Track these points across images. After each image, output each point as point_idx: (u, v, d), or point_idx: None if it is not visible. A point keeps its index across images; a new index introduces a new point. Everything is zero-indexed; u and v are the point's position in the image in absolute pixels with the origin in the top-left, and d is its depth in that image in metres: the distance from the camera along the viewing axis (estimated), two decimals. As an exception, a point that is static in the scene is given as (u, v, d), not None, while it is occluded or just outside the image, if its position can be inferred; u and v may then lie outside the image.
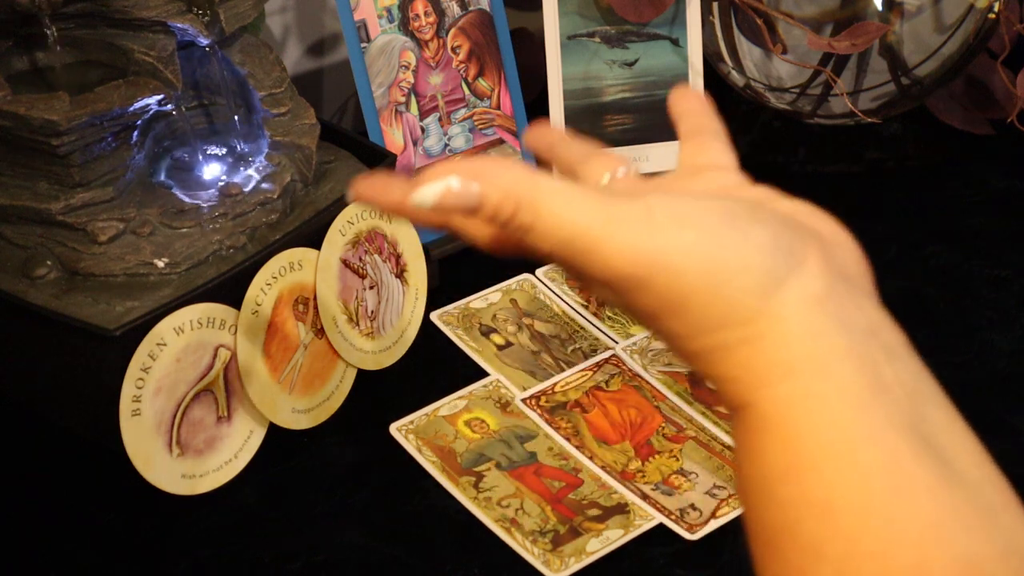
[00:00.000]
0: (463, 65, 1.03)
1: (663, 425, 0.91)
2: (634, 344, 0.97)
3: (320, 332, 0.89)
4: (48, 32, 0.84)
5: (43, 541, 0.84)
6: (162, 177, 0.90)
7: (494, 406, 0.93)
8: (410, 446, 0.89)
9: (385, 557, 0.82)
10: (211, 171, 0.91)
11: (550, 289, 1.03)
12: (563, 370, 0.96)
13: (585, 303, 1.02)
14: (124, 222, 0.83)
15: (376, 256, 0.92)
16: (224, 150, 0.93)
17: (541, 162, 0.56)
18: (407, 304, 0.95)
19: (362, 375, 0.93)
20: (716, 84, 1.17)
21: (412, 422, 0.91)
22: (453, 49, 1.02)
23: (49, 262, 0.83)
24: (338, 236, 0.89)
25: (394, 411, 0.92)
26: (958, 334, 0.99)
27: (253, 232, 0.87)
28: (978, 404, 0.94)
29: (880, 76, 1.13)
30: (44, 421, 0.91)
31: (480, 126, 1.04)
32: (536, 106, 1.13)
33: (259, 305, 0.85)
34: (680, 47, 1.10)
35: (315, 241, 0.88)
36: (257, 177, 0.89)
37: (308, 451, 0.90)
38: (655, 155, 1.10)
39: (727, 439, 0.90)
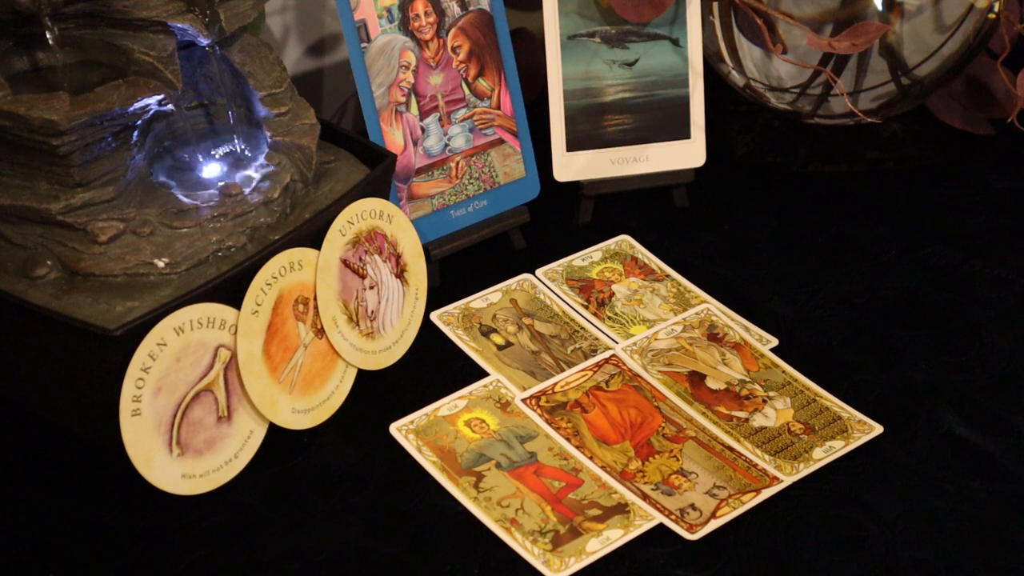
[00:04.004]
0: (463, 65, 1.03)
1: (663, 425, 0.91)
2: (634, 344, 0.97)
3: (320, 332, 0.89)
4: (48, 32, 0.84)
5: (43, 541, 0.84)
6: (162, 177, 0.90)
7: (494, 406, 0.93)
8: (410, 446, 0.89)
9: (385, 557, 0.82)
10: (211, 171, 0.91)
11: (550, 289, 1.03)
12: (563, 370, 0.96)
13: (585, 303, 1.02)
14: (124, 222, 0.83)
15: (376, 256, 0.92)
16: (224, 150, 0.93)
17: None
18: (407, 304, 0.95)
19: (362, 375, 0.93)
20: (716, 84, 1.17)
21: (412, 422, 0.91)
22: (453, 49, 1.02)
23: (49, 262, 0.83)
24: (338, 236, 0.89)
25: (394, 411, 0.92)
26: (958, 334, 0.99)
27: (253, 232, 0.87)
28: (978, 404, 0.95)
29: (880, 76, 1.13)
30: (44, 421, 0.91)
31: (480, 126, 1.04)
32: (536, 106, 1.13)
33: (259, 305, 0.85)
34: (680, 47, 1.10)
35: (315, 241, 0.88)
36: (257, 177, 0.89)
37: (308, 451, 0.90)
38: (655, 155, 1.10)
39: (727, 439, 0.90)
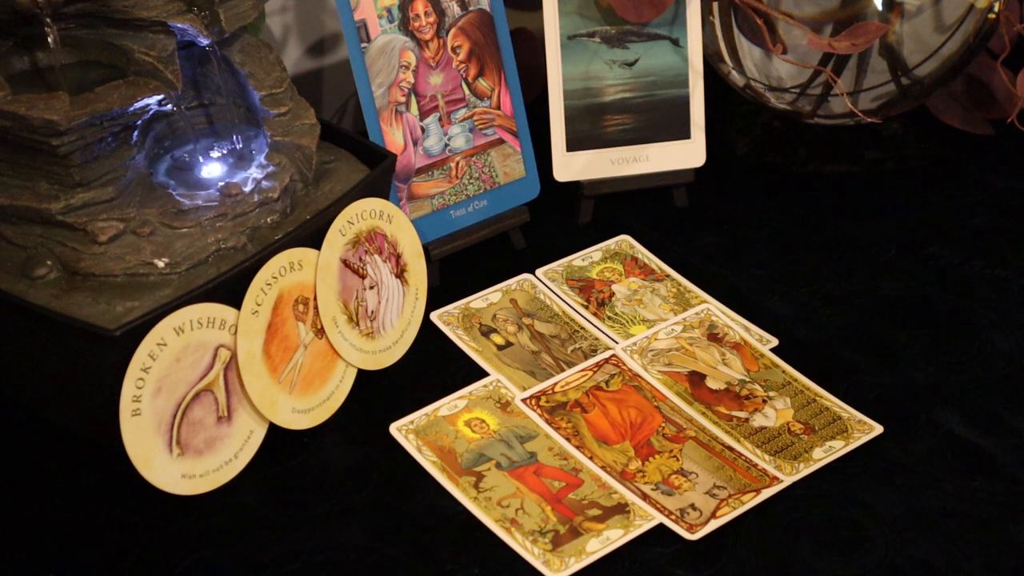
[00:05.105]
0: (463, 65, 1.03)
1: (663, 425, 0.91)
2: (634, 344, 0.97)
3: (320, 332, 0.89)
4: (48, 32, 0.84)
5: (43, 541, 0.84)
6: (162, 177, 0.90)
7: (494, 406, 0.93)
8: (410, 446, 0.89)
9: (385, 557, 0.82)
10: (211, 171, 0.91)
11: (550, 289, 1.03)
12: (563, 370, 0.96)
13: (585, 303, 1.02)
14: (124, 222, 0.83)
15: (376, 256, 0.92)
16: (224, 150, 0.93)
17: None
18: (407, 304, 0.95)
19: (362, 375, 0.93)
20: (716, 84, 1.17)
21: (412, 422, 0.91)
22: (453, 49, 1.02)
23: (49, 262, 0.83)
24: (338, 236, 0.89)
25: (394, 411, 0.92)
26: (958, 334, 0.99)
27: (253, 232, 0.87)
28: (978, 404, 0.95)
29: (880, 76, 1.13)
30: (44, 421, 0.91)
31: (480, 126, 1.04)
32: (536, 106, 1.13)
33: (259, 305, 0.85)
34: (680, 47, 1.10)
35: (315, 241, 0.88)
36: (257, 177, 0.89)
37: (308, 451, 0.90)
38: (655, 155, 1.10)
39: (727, 439, 0.90)
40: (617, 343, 0.98)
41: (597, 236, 1.09)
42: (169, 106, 0.87)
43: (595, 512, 0.85)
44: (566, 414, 0.92)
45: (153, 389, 0.80)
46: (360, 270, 0.91)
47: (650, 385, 0.94)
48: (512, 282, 1.04)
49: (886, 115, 1.15)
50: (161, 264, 0.83)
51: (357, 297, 0.91)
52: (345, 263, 0.90)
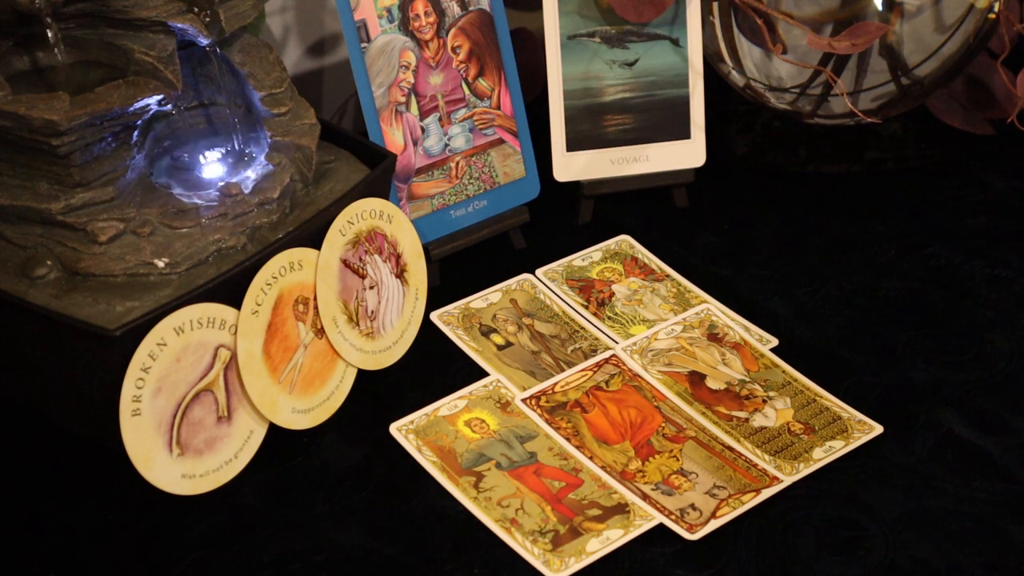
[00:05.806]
0: (463, 65, 1.03)
1: (663, 425, 0.91)
2: (634, 344, 0.97)
3: (320, 332, 0.89)
4: (48, 32, 0.84)
5: (43, 541, 0.84)
6: (162, 177, 0.90)
7: (494, 406, 0.93)
8: (410, 446, 0.89)
9: (385, 557, 0.82)
10: (211, 171, 0.91)
11: (550, 289, 1.03)
12: (563, 370, 0.96)
13: (585, 303, 1.02)
14: (124, 222, 0.83)
15: (376, 256, 0.92)
16: (224, 150, 0.93)
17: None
18: (407, 304, 0.95)
19: (362, 375, 0.93)
20: (716, 84, 1.17)
21: (412, 422, 0.91)
22: (453, 49, 1.02)
23: (49, 262, 0.83)
24: (338, 236, 0.89)
25: (394, 411, 0.92)
26: (958, 334, 0.99)
27: (253, 232, 0.87)
28: (978, 404, 0.94)
29: (880, 76, 1.13)
30: (44, 421, 0.91)
31: (480, 126, 1.04)
32: (536, 106, 1.13)
33: (259, 305, 0.85)
34: (680, 47, 1.10)
35: (315, 241, 0.88)
36: (257, 177, 0.89)
37: (308, 451, 0.90)
38: (655, 155, 1.10)
39: (727, 439, 0.90)
40: (617, 343, 0.98)
41: (597, 236, 1.09)
42: (169, 106, 0.87)
43: (595, 512, 0.85)
44: (566, 414, 0.92)
45: (153, 389, 0.80)
46: (360, 270, 0.91)
47: (650, 385, 0.94)
48: (512, 282, 1.04)
49: (886, 115, 1.15)
50: (161, 264, 0.83)
51: (357, 297, 0.91)
52: (345, 263, 0.90)
